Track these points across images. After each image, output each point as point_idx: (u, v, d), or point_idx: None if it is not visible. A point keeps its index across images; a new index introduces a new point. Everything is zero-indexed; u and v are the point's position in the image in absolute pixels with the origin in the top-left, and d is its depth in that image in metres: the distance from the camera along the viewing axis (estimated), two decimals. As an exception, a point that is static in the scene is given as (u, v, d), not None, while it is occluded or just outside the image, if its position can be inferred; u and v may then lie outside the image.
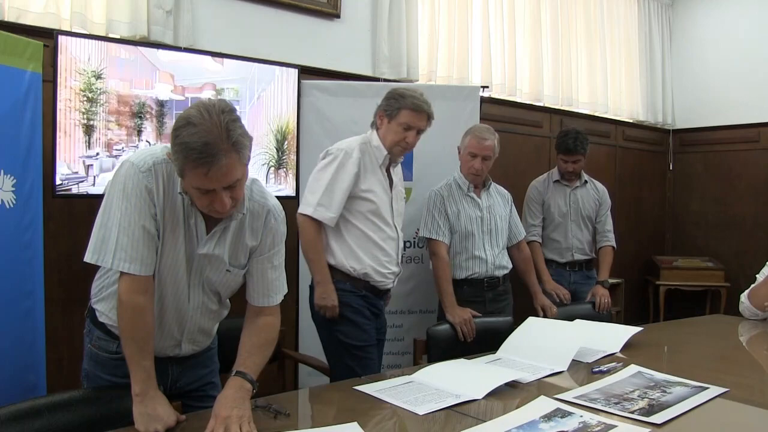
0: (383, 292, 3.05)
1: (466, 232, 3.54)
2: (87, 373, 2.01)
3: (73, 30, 3.27)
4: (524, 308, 3.66)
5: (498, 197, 3.70)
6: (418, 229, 3.82)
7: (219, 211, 1.73)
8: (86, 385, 2.00)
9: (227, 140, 1.62)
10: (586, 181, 4.27)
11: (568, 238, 4.21)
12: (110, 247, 1.74)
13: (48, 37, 3.05)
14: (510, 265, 3.70)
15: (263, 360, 1.94)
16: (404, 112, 2.91)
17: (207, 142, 1.60)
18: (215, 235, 1.87)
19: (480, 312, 3.35)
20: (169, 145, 1.72)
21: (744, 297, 3.37)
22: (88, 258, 1.78)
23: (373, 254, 2.94)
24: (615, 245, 4.27)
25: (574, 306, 3.82)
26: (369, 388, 2.07)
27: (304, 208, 2.90)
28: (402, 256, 3.18)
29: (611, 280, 4.31)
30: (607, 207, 4.30)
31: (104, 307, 1.95)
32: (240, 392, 1.77)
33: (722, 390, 2.05)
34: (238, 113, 1.71)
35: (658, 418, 1.78)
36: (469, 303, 3.42)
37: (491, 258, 3.56)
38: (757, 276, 3.39)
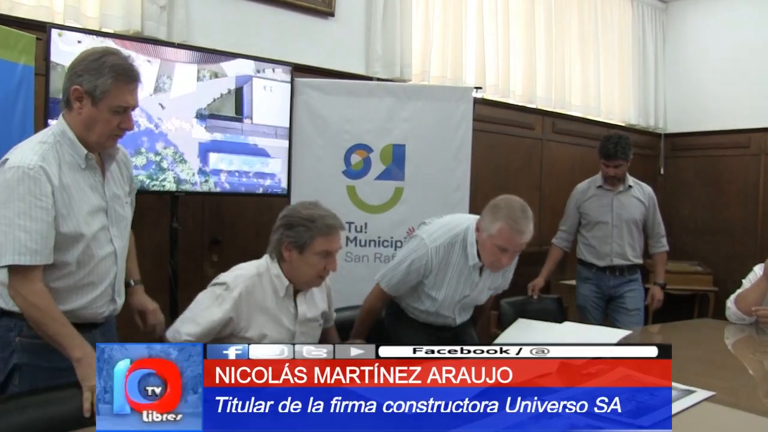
0: None
1: None
2: (18, 368, 1.98)
3: (66, 24, 3.25)
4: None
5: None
6: (410, 228, 3.82)
7: (126, 129, 2.00)
8: (19, 381, 1.97)
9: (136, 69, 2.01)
10: (630, 186, 4.18)
11: (608, 243, 4.16)
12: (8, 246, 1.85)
13: (41, 30, 3.03)
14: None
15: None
16: (319, 239, 2.23)
17: (131, 65, 1.98)
18: (109, 178, 2.09)
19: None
20: (38, 136, 1.97)
21: (730, 302, 3.37)
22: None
23: None
24: (668, 248, 4.34)
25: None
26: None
27: None
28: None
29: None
30: (654, 210, 4.28)
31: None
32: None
33: (709, 393, 2.07)
34: None
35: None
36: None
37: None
38: (743, 281, 3.40)
